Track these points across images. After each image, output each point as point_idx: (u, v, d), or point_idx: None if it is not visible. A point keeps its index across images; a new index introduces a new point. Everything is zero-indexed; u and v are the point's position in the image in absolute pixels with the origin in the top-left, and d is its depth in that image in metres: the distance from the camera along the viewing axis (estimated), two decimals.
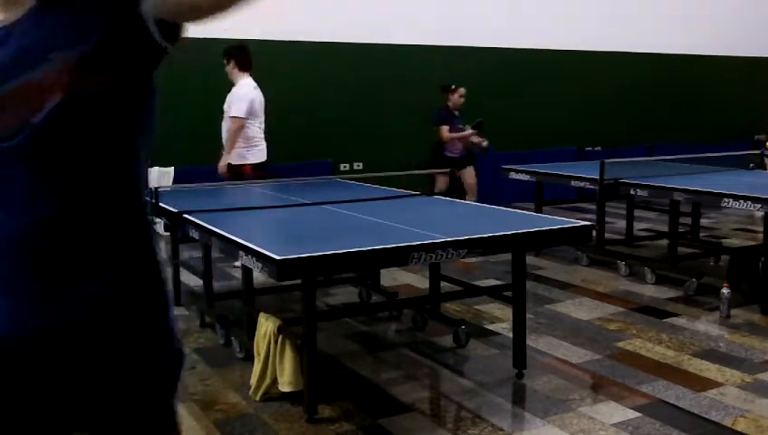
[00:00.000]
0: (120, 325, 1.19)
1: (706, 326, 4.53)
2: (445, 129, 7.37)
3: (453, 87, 7.53)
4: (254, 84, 6.11)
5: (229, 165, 6.08)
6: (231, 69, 6.10)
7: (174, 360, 1.30)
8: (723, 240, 6.96)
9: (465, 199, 7.09)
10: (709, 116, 11.33)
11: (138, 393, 1.23)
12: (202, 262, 4.66)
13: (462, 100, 7.53)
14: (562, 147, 9.84)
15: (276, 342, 3.40)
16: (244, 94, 5.99)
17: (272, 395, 3.44)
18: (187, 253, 5.83)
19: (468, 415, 3.31)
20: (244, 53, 6.11)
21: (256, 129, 6.09)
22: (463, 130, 7.57)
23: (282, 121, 8.06)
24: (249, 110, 5.96)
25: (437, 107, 7.68)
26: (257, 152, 6.11)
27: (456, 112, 7.52)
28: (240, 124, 5.97)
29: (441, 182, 7.30)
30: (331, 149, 8.57)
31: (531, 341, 4.06)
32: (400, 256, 3.08)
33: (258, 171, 6.04)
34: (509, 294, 3.81)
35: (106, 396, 1.20)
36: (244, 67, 6.08)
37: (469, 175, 7.59)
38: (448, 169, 7.26)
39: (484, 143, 7.62)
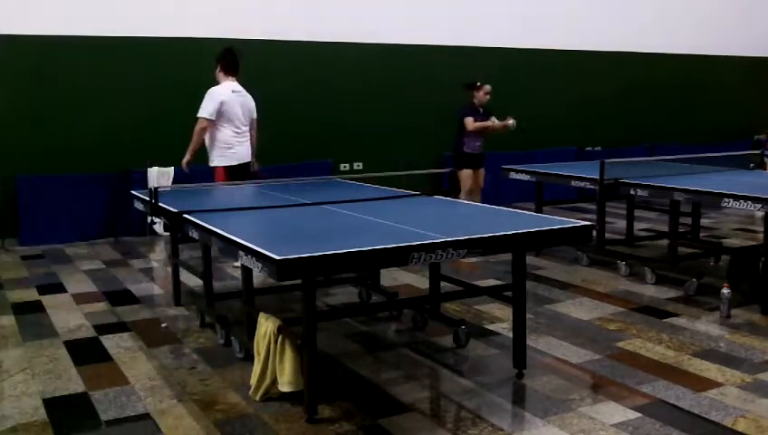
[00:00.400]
0: None
1: (706, 326, 4.53)
2: (469, 120, 7.25)
3: (478, 84, 7.39)
4: (236, 88, 6.06)
5: (212, 167, 6.10)
6: (217, 72, 6.10)
7: None
8: (723, 240, 6.96)
9: (471, 198, 7.07)
10: (709, 116, 11.33)
11: None
12: (202, 262, 4.66)
13: (487, 97, 7.37)
14: (562, 147, 9.84)
15: (276, 342, 3.40)
16: (216, 96, 5.95)
17: (272, 395, 3.44)
18: (187, 253, 5.83)
19: (468, 415, 3.31)
20: (230, 57, 6.07)
21: (229, 132, 6.01)
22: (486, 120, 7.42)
23: (282, 122, 8.07)
24: (215, 111, 5.91)
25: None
26: (230, 155, 6.03)
27: (481, 109, 7.41)
28: (202, 125, 5.92)
29: (466, 181, 7.26)
30: (331, 149, 8.58)
31: (531, 341, 4.06)
32: (400, 256, 3.07)
33: (231, 175, 5.95)
34: (509, 294, 3.80)
35: None
36: (229, 70, 6.06)
37: (482, 175, 7.49)
38: (449, 169, 7.26)
39: (510, 121, 7.28)
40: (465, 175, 7.29)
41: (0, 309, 5.07)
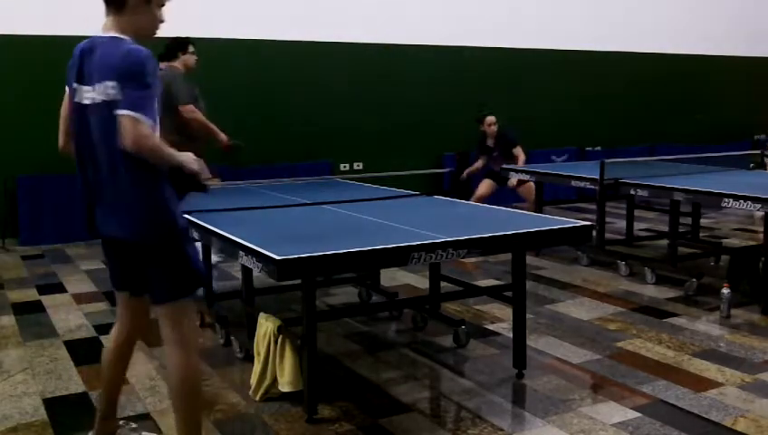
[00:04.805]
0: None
1: (706, 326, 4.53)
2: (477, 164, 7.48)
3: (481, 116, 7.35)
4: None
5: None
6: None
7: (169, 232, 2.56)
8: (723, 240, 6.96)
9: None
10: (709, 116, 11.33)
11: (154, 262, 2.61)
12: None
13: (492, 128, 7.28)
14: (562, 147, 9.84)
15: (276, 342, 3.40)
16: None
17: (272, 395, 3.45)
18: None
19: (468, 415, 3.31)
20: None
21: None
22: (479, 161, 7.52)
23: (282, 121, 8.07)
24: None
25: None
26: None
27: (491, 142, 7.34)
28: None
29: (482, 188, 7.24)
30: (331, 149, 8.57)
31: (531, 341, 4.06)
32: (400, 256, 3.07)
33: None
34: (509, 294, 3.81)
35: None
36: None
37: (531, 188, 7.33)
38: (449, 169, 7.25)
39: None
40: (485, 183, 7.29)
41: (0, 309, 5.07)
